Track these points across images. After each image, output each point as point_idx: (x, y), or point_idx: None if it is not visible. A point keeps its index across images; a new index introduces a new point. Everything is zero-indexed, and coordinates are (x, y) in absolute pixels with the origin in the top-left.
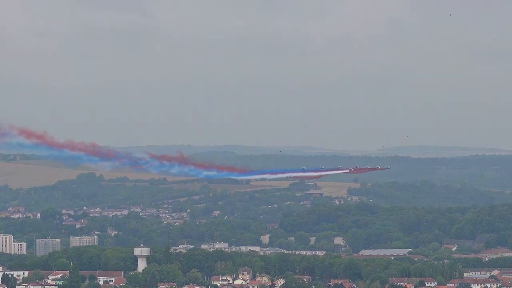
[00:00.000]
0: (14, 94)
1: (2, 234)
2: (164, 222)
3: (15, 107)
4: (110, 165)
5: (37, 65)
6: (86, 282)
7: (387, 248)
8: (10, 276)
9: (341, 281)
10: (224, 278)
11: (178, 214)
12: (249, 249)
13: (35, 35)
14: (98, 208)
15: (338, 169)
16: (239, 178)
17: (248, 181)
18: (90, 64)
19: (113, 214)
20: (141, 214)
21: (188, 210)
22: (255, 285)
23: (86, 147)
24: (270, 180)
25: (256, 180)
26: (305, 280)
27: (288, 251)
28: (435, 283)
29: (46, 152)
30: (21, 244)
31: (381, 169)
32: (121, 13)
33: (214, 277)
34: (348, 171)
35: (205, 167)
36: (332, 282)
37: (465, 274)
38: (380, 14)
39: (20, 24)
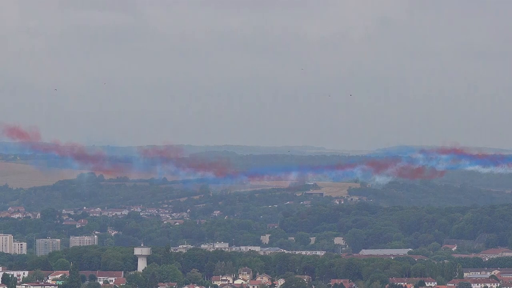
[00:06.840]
0: (6, 94)
1: (2, 234)
2: (164, 222)
3: (9, 106)
4: (93, 168)
5: (29, 65)
6: (86, 282)
7: (387, 248)
8: (10, 276)
9: (341, 281)
10: (224, 278)
11: (178, 214)
12: (249, 249)
13: (27, 34)
14: (98, 208)
15: None
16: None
17: (248, 181)
18: (84, 64)
19: (113, 214)
20: (141, 214)
21: (188, 210)
22: (255, 285)
23: (72, 149)
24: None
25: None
26: (305, 280)
27: (288, 251)
28: (435, 283)
29: (30, 154)
30: (21, 244)
31: None
32: (113, 13)
33: (214, 277)
34: None
35: (186, 168)
36: (332, 282)
37: (465, 274)
38: (374, 13)
39: (11, 24)
